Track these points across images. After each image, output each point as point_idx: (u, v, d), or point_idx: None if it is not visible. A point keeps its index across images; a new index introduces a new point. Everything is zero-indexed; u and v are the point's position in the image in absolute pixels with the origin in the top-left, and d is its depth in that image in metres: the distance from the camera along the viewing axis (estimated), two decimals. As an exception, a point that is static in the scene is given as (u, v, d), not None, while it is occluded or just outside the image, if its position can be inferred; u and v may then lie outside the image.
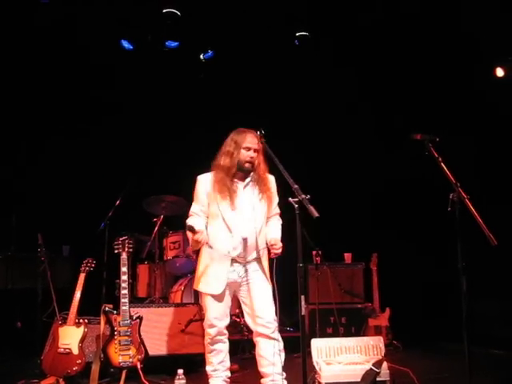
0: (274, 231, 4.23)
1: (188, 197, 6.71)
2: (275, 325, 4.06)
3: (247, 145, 4.13)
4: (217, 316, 4.13)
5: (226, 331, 4.22)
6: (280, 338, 4.08)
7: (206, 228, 4.13)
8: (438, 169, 3.86)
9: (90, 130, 7.39)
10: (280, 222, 4.36)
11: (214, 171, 4.20)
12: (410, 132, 4.03)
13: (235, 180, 4.16)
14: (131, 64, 7.32)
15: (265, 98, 7.46)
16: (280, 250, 4.01)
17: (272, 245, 4.03)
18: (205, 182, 4.21)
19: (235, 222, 4.09)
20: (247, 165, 4.13)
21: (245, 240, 4.08)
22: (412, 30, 6.85)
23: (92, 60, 7.06)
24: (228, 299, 4.17)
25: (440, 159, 3.87)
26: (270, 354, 4.02)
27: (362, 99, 7.59)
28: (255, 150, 4.14)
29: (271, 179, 4.27)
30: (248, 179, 4.19)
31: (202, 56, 7.68)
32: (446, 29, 6.65)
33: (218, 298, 4.11)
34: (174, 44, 7.40)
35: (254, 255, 4.13)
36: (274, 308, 4.08)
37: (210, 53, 7.66)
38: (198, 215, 4.20)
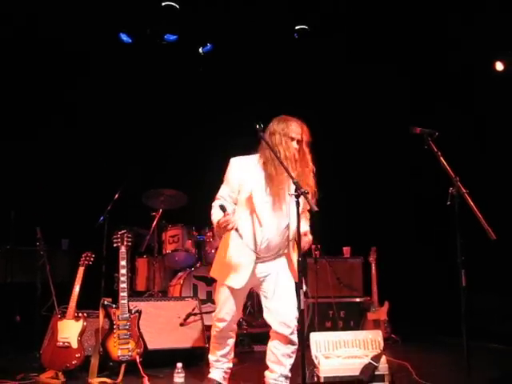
0: (304, 225, 3.89)
1: (187, 190, 6.78)
2: (295, 324, 3.88)
3: (294, 132, 3.87)
4: (229, 311, 3.99)
5: (235, 326, 4.14)
6: (296, 341, 3.90)
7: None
8: (437, 162, 3.85)
9: (88, 123, 7.38)
10: (308, 216, 4.06)
11: (257, 157, 3.92)
12: (410, 124, 4.02)
13: (276, 171, 3.82)
14: (130, 57, 7.31)
15: (264, 92, 7.46)
16: (308, 244, 3.83)
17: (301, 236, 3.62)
18: (239, 167, 3.94)
19: (268, 216, 3.84)
20: (291, 155, 3.81)
21: (276, 233, 3.85)
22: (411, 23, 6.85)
23: (85, 51, 7.05)
24: (244, 295, 4.04)
25: (439, 153, 3.85)
26: (281, 355, 3.92)
27: (360, 93, 7.59)
28: (300, 144, 3.90)
29: (311, 176, 3.95)
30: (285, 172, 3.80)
31: (200, 49, 7.67)
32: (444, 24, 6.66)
33: (237, 292, 3.95)
34: (172, 37, 7.39)
35: (280, 251, 3.93)
36: (296, 307, 3.79)
37: (208, 46, 7.65)
38: (225, 200, 3.93)
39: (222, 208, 3.73)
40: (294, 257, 3.87)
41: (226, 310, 4.00)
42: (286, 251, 3.95)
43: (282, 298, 3.91)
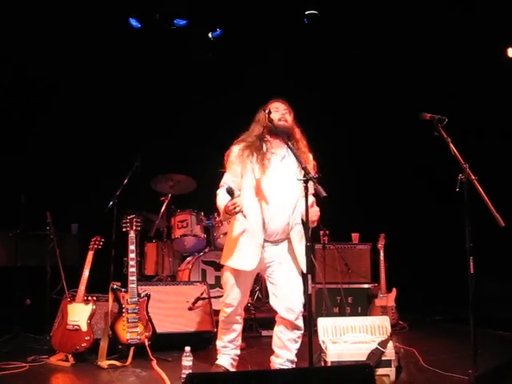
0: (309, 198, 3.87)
1: (196, 176, 6.79)
2: (300, 310, 3.96)
3: (274, 105, 3.99)
4: (237, 297, 4.00)
5: (242, 312, 4.16)
6: (302, 326, 3.98)
7: None
8: (447, 149, 3.83)
9: (98, 109, 7.38)
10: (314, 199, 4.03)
11: (245, 138, 4.03)
12: (419, 112, 4.00)
13: (272, 149, 3.96)
14: (139, 42, 7.30)
15: (273, 78, 7.43)
16: (316, 215, 3.83)
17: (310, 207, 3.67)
18: (238, 151, 4.00)
19: (272, 192, 3.87)
20: (281, 122, 3.92)
21: (282, 213, 3.87)
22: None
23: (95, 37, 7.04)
24: (252, 280, 4.08)
25: (449, 140, 3.83)
26: (287, 339, 3.99)
27: (368, 79, 7.56)
28: (285, 111, 3.99)
29: (310, 157, 4.05)
30: (285, 152, 3.96)
31: (210, 34, 7.64)
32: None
33: (245, 276, 3.97)
34: (182, 22, 7.36)
35: (288, 233, 3.93)
36: (301, 293, 3.94)
37: (218, 31, 7.62)
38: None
39: (230, 191, 3.73)
40: (298, 245, 3.92)
41: (234, 295, 4.02)
42: (294, 235, 3.94)
43: (288, 284, 3.95)
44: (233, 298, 4.03)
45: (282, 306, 3.95)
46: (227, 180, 4.02)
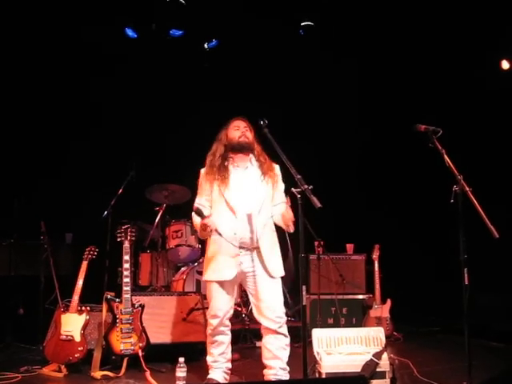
0: (281, 208, 4.04)
1: (191, 186, 6.75)
2: (283, 319, 4.03)
3: (235, 124, 4.21)
4: (221, 307, 4.07)
5: (228, 323, 4.18)
6: (287, 333, 4.06)
7: None
8: (441, 160, 3.84)
9: (92, 119, 7.39)
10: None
11: (210, 159, 4.22)
12: (413, 123, 4.02)
13: (235, 163, 4.15)
14: (135, 52, 7.32)
15: (269, 88, 7.46)
16: (292, 219, 3.88)
17: (283, 215, 3.95)
18: (204, 172, 4.22)
19: (237, 202, 4.02)
20: (242, 139, 4.12)
21: (249, 218, 3.99)
22: (418, 20, 6.84)
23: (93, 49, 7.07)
24: (234, 290, 4.13)
25: (444, 151, 3.85)
26: (276, 349, 4.03)
27: (363, 91, 7.60)
28: (245, 129, 4.16)
29: (275, 166, 4.20)
30: (248, 163, 4.17)
31: (206, 45, 7.67)
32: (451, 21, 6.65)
33: (226, 287, 4.04)
34: (178, 33, 7.39)
35: (260, 239, 4.00)
36: (282, 302, 4.06)
37: (214, 42, 7.65)
38: (204, 206, 4.13)
39: (198, 212, 3.94)
40: (268, 251, 4.03)
41: (218, 305, 4.08)
42: (264, 243, 4.02)
43: (266, 293, 4.02)
44: (217, 308, 4.08)
45: (264, 316, 4.02)
46: (200, 200, 4.20)
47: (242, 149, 4.13)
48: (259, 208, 4.03)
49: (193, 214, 4.15)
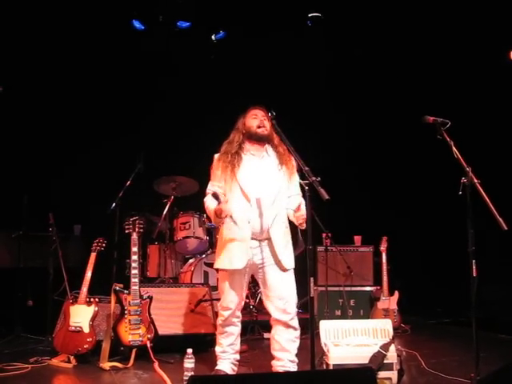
0: (296, 202, 3.97)
1: (199, 177, 6.78)
2: (294, 311, 4.01)
3: (252, 113, 4.14)
4: (233, 299, 4.03)
5: (239, 314, 4.16)
6: (298, 326, 4.03)
7: None
8: (450, 152, 3.82)
9: (100, 111, 7.40)
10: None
11: (225, 146, 4.16)
12: (421, 114, 4.00)
13: (250, 151, 4.10)
14: (142, 43, 7.31)
15: (276, 80, 7.43)
16: (303, 217, 3.81)
17: (295, 211, 3.88)
18: (218, 159, 4.15)
19: (252, 189, 3.98)
20: (259, 130, 4.07)
21: (263, 206, 3.95)
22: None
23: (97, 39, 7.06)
24: (245, 281, 4.08)
25: (452, 143, 3.83)
26: (285, 341, 4.01)
27: (370, 83, 7.58)
28: (263, 117, 4.10)
29: (292, 157, 4.09)
30: (264, 152, 4.12)
31: (213, 37, 7.65)
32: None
33: (237, 278, 4.00)
34: (185, 24, 7.37)
35: (271, 229, 3.97)
36: (295, 294, 4.03)
37: (221, 33, 7.63)
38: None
39: (215, 196, 3.83)
40: (281, 244, 4.00)
41: (230, 297, 4.05)
42: (275, 233, 3.99)
43: (278, 285, 3.99)
44: (230, 300, 4.05)
45: (275, 307, 4.00)
46: (212, 187, 4.13)
47: (259, 139, 4.09)
48: (274, 197, 3.99)
49: (205, 199, 4.12)
